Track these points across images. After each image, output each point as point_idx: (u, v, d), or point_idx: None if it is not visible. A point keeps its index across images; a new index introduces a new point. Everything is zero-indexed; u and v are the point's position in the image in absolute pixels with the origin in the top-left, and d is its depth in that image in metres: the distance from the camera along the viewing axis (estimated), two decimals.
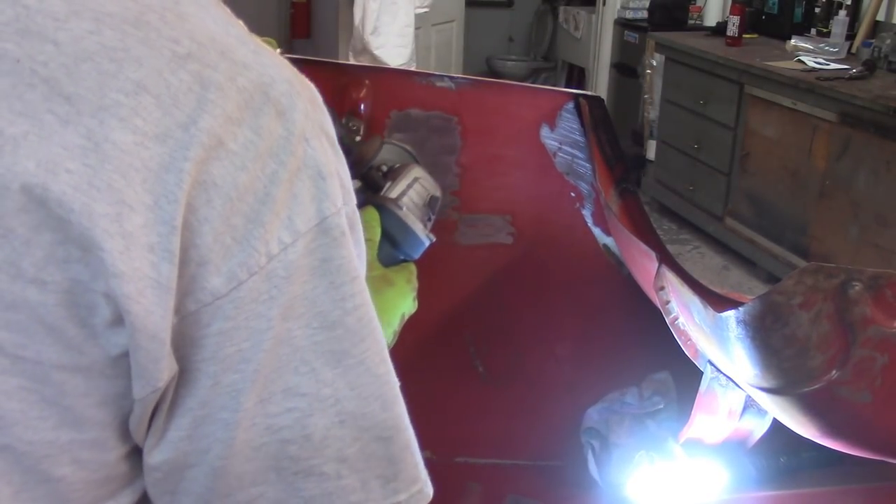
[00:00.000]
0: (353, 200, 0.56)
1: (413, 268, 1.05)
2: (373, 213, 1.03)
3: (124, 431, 0.53)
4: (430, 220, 1.09)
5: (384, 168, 1.08)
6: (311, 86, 0.55)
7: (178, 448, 0.52)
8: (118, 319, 0.48)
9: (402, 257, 1.05)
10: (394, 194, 1.05)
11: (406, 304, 1.02)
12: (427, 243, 1.06)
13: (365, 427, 0.55)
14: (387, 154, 1.17)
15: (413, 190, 1.07)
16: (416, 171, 1.09)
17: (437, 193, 1.10)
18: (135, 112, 0.47)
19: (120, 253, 0.46)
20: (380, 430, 0.56)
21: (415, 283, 1.04)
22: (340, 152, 0.56)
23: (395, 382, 0.57)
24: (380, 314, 0.99)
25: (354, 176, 1.05)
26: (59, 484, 0.51)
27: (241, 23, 0.54)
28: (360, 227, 0.56)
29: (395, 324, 1.00)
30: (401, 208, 1.04)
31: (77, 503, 0.52)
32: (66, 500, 0.52)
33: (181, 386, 0.51)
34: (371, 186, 1.07)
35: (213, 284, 0.49)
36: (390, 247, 1.03)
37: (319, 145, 0.52)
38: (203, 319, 0.49)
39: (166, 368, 0.50)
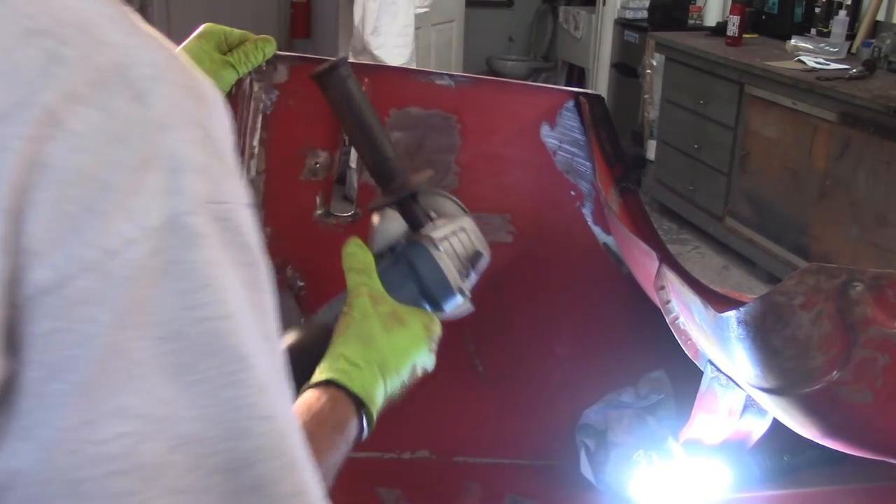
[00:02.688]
0: (232, 202, 0.50)
1: (435, 318, 0.93)
2: (357, 241, 0.94)
3: None
4: (468, 276, 0.98)
5: (433, 214, 1.00)
6: (195, 75, 0.50)
7: None
8: None
9: (427, 306, 0.94)
10: (434, 234, 0.95)
11: (420, 353, 0.90)
12: (459, 299, 0.95)
13: (202, 454, 0.48)
14: (435, 202, 1.06)
15: (457, 238, 0.97)
16: (466, 223, 1.00)
17: (485, 252, 1.00)
18: None
19: None
20: (223, 462, 0.48)
21: (435, 335, 0.92)
22: (221, 151, 0.50)
23: (256, 414, 0.50)
24: (385, 355, 0.86)
25: (392, 203, 0.98)
26: None
27: (127, 7, 0.50)
28: (245, 232, 0.51)
29: (404, 373, 0.89)
30: (437, 249, 0.94)
31: None
32: None
33: (7, 392, 0.45)
34: (411, 222, 0.98)
35: (39, 277, 0.44)
36: (416, 289, 0.93)
37: (183, 136, 0.48)
38: (28, 316, 0.44)
39: None
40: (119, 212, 0.45)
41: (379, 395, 0.86)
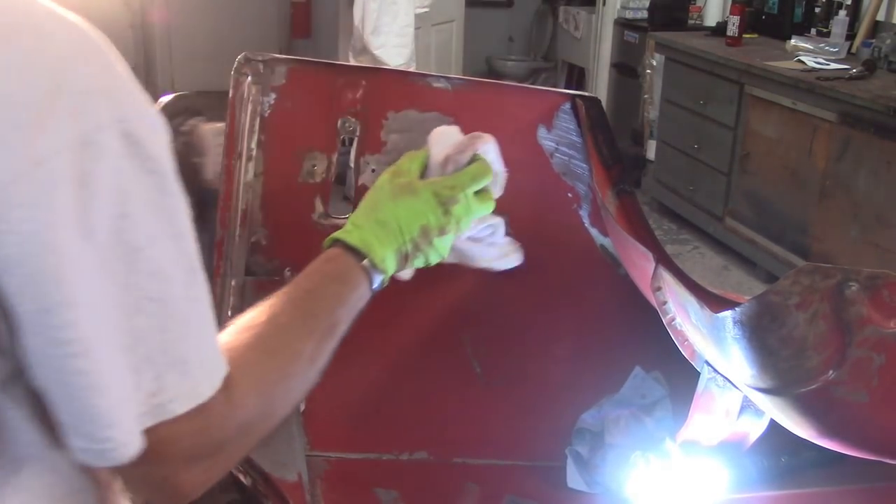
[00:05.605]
0: (135, 119, 0.59)
1: (451, 180, 0.97)
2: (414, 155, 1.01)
3: None
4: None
5: None
6: (82, 27, 0.59)
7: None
8: None
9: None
10: None
11: (427, 213, 0.93)
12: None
13: (128, 331, 0.60)
14: None
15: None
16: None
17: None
18: None
19: None
20: (146, 333, 0.61)
21: (446, 199, 0.95)
22: (121, 76, 0.60)
23: (167, 295, 0.60)
24: (387, 215, 0.91)
25: None
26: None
27: None
28: (149, 144, 0.59)
29: (411, 231, 0.92)
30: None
31: None
32: None
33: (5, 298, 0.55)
34: None
35: None
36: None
37: (85, 65, 0.57)
38: None
39: None
40: (38, 129, 0.54)
41: (382, 249, 0.90)
